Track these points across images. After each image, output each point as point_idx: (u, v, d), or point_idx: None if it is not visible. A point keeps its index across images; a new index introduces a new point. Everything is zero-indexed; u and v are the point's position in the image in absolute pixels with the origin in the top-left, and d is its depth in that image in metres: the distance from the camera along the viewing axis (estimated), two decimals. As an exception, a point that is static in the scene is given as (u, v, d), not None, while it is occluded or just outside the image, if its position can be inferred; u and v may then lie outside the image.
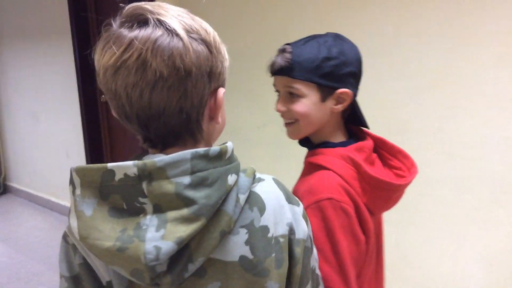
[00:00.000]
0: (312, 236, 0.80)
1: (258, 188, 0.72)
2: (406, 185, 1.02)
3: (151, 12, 0.65)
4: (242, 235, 0.68)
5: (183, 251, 0.63)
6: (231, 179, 0.66)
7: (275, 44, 1.05)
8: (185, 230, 0.61)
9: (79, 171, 0.64)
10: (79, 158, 4.00)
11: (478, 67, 1.83)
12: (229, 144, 0.68)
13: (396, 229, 2.09)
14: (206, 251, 0.64)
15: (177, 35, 0.64)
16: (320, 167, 0.97)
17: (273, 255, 0.70)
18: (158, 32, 0.63)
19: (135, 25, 0.64)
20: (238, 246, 0.68)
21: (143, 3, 0.66)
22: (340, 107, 1.00)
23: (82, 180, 0.63)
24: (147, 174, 0.61)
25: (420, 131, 2.00)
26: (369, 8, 2.08)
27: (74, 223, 0.63)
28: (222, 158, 0.66)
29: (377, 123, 1.27)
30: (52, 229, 4.00)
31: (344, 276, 0.88)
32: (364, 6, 2.08)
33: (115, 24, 0.66)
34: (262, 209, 0.70)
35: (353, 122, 1.08)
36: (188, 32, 0.65)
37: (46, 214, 4.36)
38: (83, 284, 0.69)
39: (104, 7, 3.08)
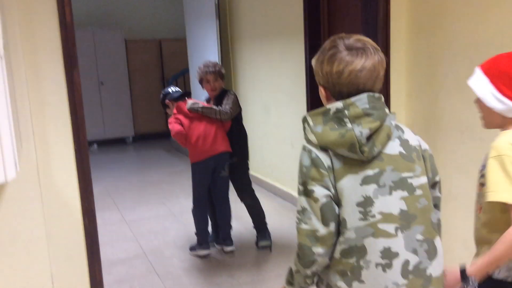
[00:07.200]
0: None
1: (397, 122, 1.35)
2: None
3: (367, 42, 1.29)
4: (397, 141, 1.32)
5: (371, 137, 1.24)
6: (386, 110, 1.29)
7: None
8: (371, 125, 1.24)
9: (311, 114, 1.30)
10: (302, 150, 4.30)
11: None
12: (381, 95, 1.31)
13: None
14: (380, 143, 1.26)
15: (379, 52, 1.29)
16: None
17: (414, 153, 1.33)
18: (374, 52, 1.28)
19: (365, 50, 1.27)
20: (396, 147, 1.31)
21: (356, 36, 1.29)
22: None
23: (312, 117, 1.29)
24: (347, 106, 1.25)
25: None
26: None
27: (312, 137, 1.28)
28: (380, 99, 1.29)
29: None
30: (275, 212, 4.40)
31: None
32: None
33: (343, 47, 1.27)
34: (403, 131, 1.35)
35: None
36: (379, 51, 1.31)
37: (270, 198, 4.82)
38: (316, 163, 1.27)
39: (335, 8, 3.22)
